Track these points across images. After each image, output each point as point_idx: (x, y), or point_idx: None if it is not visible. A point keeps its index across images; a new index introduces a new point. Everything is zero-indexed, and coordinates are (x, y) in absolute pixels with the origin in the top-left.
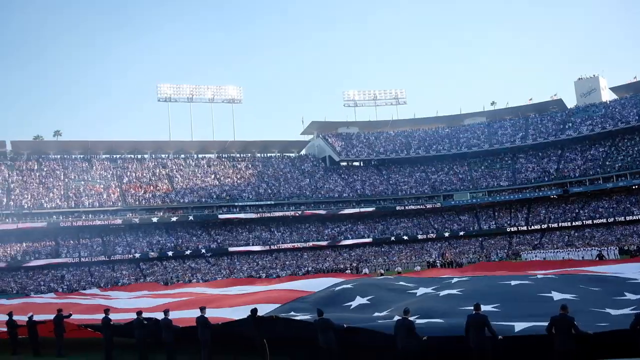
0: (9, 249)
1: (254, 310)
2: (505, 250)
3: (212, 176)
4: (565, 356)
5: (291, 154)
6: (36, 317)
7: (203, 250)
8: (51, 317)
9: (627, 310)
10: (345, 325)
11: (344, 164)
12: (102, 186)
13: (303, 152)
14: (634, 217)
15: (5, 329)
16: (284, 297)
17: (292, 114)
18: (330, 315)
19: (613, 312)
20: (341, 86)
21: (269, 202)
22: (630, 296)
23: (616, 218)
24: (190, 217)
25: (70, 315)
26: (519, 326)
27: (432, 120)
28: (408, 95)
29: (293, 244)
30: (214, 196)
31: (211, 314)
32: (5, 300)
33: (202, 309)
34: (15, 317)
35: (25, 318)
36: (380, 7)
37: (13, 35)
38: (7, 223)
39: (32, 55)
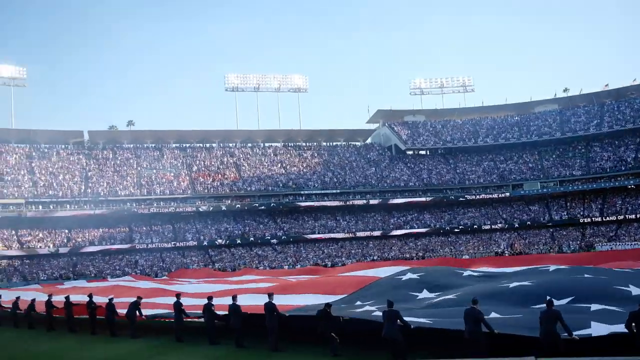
0: (87, 234)
1: (328, 305)
2: (578, 242)
3: (279, 165)
4: None
5: (357, 143)
6: (116, 300)
7: (270, 238)
8: (131, 299)
9: None
10: (412, 326)
11: (410, 152)
12: (172, 174)
13: (369, 140)
14: None
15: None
16: (350, 285)
17: (358, 103)
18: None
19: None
20: (407, 74)
21: (334, 191)
22: None
23: None
24: (257, 205)
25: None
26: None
27: (500, 108)
28: (476, 83)
29: (359, 233)
30: (281, 184)
31: (279, 301)
32: (85, 282)
33: (270, 295)
34: (95, 299)
35: (105, 300)
36: None
37: (88, 29)
38: (85, 210)
39: (107, 48)
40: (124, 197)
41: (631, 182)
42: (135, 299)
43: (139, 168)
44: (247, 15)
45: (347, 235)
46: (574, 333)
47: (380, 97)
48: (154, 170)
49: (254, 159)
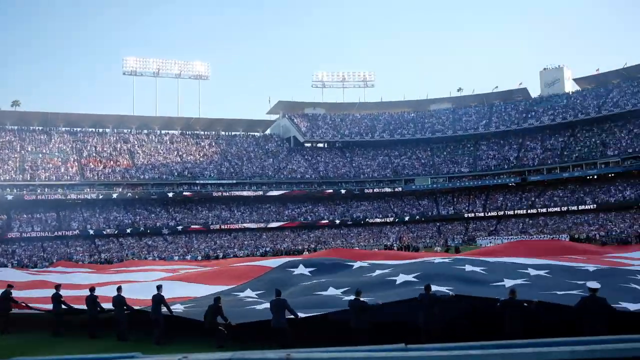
0: None
1: (217, 299)
2: (462, 236)
3: (175, 153)
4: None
5: (256, 133)
6: None
7: (161, 228)
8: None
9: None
10: (301, 316)
11: (309, 145)
12: (60, 159)
13: (268, 131)
14: (586, 207)
15: None
16: (241, 274)
17: (260, 93)
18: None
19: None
20: (310, 67)
21: (230, 181)
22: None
23: (569, 207)
24: (150, 194)
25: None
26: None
27: (398, 104)
28: (376, 79)
29: (251, 224)
30: (176, 173)
31: (168, 292)
32: None
33: (159, 287)
34: None
35: None
36: None
37: None
38: None
39: None
40: (3, 182)
41: (512, 180)
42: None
43: (22, 152)
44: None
45: (240, 226)
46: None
47: (282, 89)
48: (40, 155)
49: (149, 146)
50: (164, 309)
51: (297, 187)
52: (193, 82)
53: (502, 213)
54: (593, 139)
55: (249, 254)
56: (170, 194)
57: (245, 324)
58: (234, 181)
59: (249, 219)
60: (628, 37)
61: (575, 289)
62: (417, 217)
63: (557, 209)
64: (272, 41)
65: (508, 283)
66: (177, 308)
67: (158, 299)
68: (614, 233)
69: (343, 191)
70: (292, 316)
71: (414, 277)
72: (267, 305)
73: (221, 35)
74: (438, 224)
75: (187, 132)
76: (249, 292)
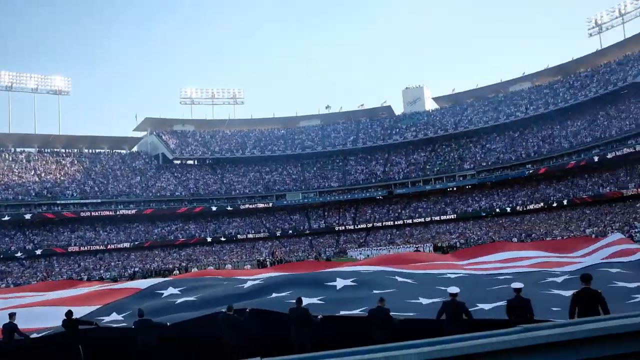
0: None
1: (69, 313)
2: (333, 248)
3: (32, 172)
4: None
5: (122, 151)
6: None
7: (15, 251)
8: None
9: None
10: (168, 324)
11: (178, 162)
12: None
13: (135, 149)
14: (447, 217)
15: None
16: (105, 297)
17: (125, 110)
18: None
19: (425, 301)
20: (178, 83)
21: (95, 201)
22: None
23: (432, 217)
24: (5, 217)
25: None
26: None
27: (268, 121)
28: (246, 96)
29: (120, 244)
30: (33, 193)
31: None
32: None
33: (11, 315)
34: None
35: None
36: (220, 5)
37: None
38: None
39: None
40: None
41: (379, 193)
42: None
43: None
44: (4, 7)
45: (106, 247)
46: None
47: (149, 105)
48: None
49: (2, 165)
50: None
51: (167, 205)
52: (52, 98)
53: (370, 225)
54: (452, 154)
55: (116, 276)
56: (28, 216)
57: (110, 345)
58: (99, 200)
59: (116, 239)
60: (480, 61)
61: (438, 297)
62: (289, 231)
63: (422, 219)
64: (137, 56)
65: (377, 292)
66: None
67: (9, 328)
68: (472, 240)
69: (214, 208)
70: (160, 327)
71: (287, 293)
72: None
73: (83, 49)
74: (310, 237)
75: (46, 150)
76: (114, 316)
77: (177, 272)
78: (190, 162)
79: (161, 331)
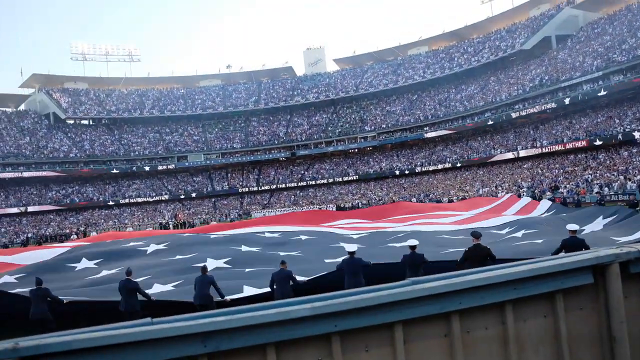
0: None
1: None
2: (237, 210)
3: None
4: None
5: (7, 109)
6: None
7: None
8: None
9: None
10: (65, 301)
11: (71, 122)
12: None
13: (23, 107)
14: (349, 178)
15: None
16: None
17: (9, 64)
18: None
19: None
20: (68, 38)
21: None
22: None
23: (335, 179)
24: None
25: None
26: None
27: (167, 80)
28: (143, 53)
29: (9, 209)
30: None
31: None
32: None
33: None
34: None
35: None
36: None
37: None
38: None
39: None
40: None
41: (282, 154)
42: None
43: None
44: None
45: None
46: (227, 297)
47: (37, 60)
48: None
49: None
50: None
51: (61, 167)
52: None
53: (274, 187)
54: (353, 116)
55: (7, 243)
56: None
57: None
58: None
59: (5, 203)
60: (379, 23)
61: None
62: (192, 194)
63: (325, 181)
64: (21, 6)
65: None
66: None
67: None
68: (373, 201)
69: (113, 170)
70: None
71: (191, 255)
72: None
73: None
74: (214, 199)
75: None
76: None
77: (75, 236)
78: (85, 122)
79: (57, 305)
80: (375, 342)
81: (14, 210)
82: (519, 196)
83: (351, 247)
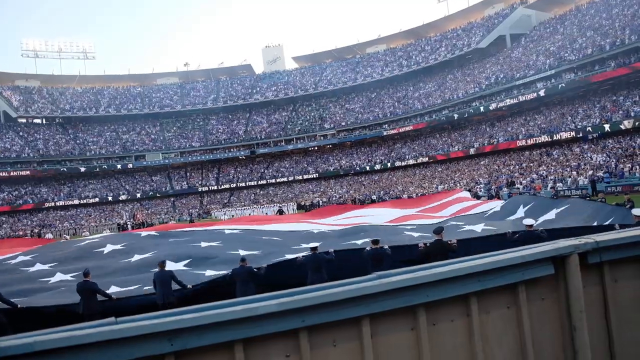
0: None
1: None
2: (197, 210)
3: None
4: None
5: None
6: None
7: None
8: None
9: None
10: (18, 306)
11: (23, 120)
12: None
13: None
14: (310, 176)
15: None
16: None
17: None
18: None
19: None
20: (18, 34)
21: None
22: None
23: (295, 177)
24: None
25: None
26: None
27: (123, 78)
28: (97, 51)
29: None
30: None
31: None
32: None
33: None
34: None
35: None
36: None
37: None
38: None
39: None
40: None
41: (242, 153)
42: None
43: None
44: None
45: None
46: (189, 285)
47: None
48: None
49: None
50: None
51: (13, 168)
52: None
53: (234, 185)
54: (312, 114)
55: None
56: None
57: None
58: None
59: None
60: (337, 21)
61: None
62: (151, 193)
63: (285, 179)
64: None
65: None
66: None
67: None
68: (334, 199)
69: (67, 170)
70: (8, 307)
71: (151, 254)
72: None
73: None
74: (173, 199)
75: None
76: None
77: (30, 237)
78: (38, 120)
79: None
80: (342, 336)
81: None
82: (476, 193)
83: (313, 244)
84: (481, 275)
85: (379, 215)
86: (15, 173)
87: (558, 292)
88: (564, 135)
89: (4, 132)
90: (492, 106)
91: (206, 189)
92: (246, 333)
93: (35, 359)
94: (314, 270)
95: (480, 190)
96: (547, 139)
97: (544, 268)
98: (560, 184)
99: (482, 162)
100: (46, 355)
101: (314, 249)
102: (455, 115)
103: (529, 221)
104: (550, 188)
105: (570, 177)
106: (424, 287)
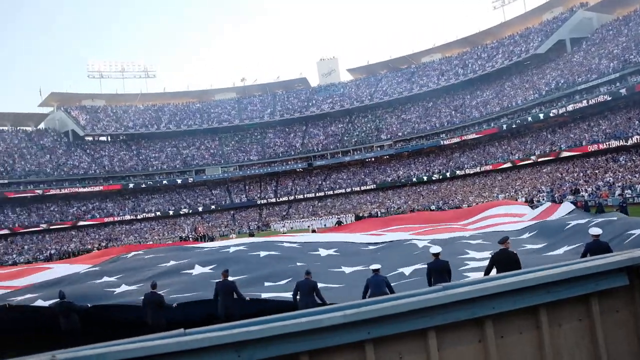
0: None
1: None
2: (257, 222)
3: None
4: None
5: (27, 128)
6: None
7: None
8: None
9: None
10: (89, 305)
11: (90, 138)
12: None
13: (42, 126)
14: (367, 187)
15: None
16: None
17: (28, 84)
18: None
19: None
20: (85, 56)
21: (2, 181)
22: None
23: (353, 188)
24: None
25: None
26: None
27: (183, 95)
28: (158, 69)
29: (33, 227)
30: None
31: None
32: None
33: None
34: None
35: None
36: None
37: None
38: None
39: None
40: None
41: (299, 165)
42: None
43: None
44: None
45: (17, 230)
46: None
47: (54, 79)
48: None
49: None
50: None
51: (81, 184)
52: None
53: (292, 197)
54: (369, 125)
55: (30, 260)
56: None
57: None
58: (6, 181)
59: (28, 221)
60: (392, 32)
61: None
62: (211, 206)
63: (342, 190)
64: (38, 26)
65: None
66: None
67: None
68: (392, 209)
69: (132, 185)
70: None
71: (210, 268)
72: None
73: None
74: (232, 212)
75: None
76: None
77: (97, 251)
78: (103, 138)
79: (83, 314)
80: (408, 349)
81: (36, 228)
82: (538, 201)
83: (375, 266)
84: (551, 286)
85: (443, 224)
86: (83, 189)
87: (634, 304)
88: (632, 140)
89: (73, 150)
90: (553, 112)
91: (265, 201)
92: (311, 345)
93: None
94: (375, 292)
95: (543, 199)
96: (613, 145)
97: (618, 279)
98: (629, 191)
99: (544, 170)
100: None
101: (376, 270)
102: (515, 123)
103: (595, 230)
104: (619, 195)
105: (639, 184)
106: (491, 298)
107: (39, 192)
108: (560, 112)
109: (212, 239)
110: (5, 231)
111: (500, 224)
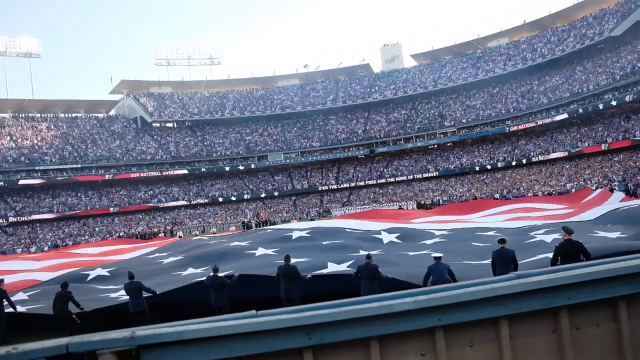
0: None
1: (65, 285)
2: (317, 209)
3: (8, 138)
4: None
5: (99, 115)
6: None
7: None
8: None
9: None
10: (157, 292)
11: (157, 125)
12: None
13: (112, 112)
14: (429, 175)
15: None
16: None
17: (100, 72)
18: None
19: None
20: (153, 44)
21: (75, 166)
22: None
23: (415, 175)
24: None
25: None
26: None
27: (246, 82)
28: (222, 56)
29: (103, 209)
30: (11, 160)
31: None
32: None
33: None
34: None
35: None
36: None
37: None
38: None
39: None
40: None
41: (361, 152)
42: None
43: None
44: None
45: (89, 212)
46: (313, 273)
47: (124, 66)
48: None
49: None
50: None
51: (148, 169)
52: (22, 60)
53: (353, 184)
54: (432, 111)
55: (101, 239)
56: (5, 183)
57: (101, 310)
58: (79, 165)
59: (99, 204)
60: (457, 16)
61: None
62: (273, 192)
63: (404, 177)
64: (109, 15)
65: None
66: (21, 297)
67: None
68: (454, 197)
69: (196, 170)
70: (150, 294)
71: (273, 251)
72: (122, 291)
73: (50, 9)
74: (294, 198)
75: (21, 115)
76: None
77: (163, 234)
78: (169, 124)
79: (149, 298)
80: (480, 337)
81: (106, 210)
82: (611, 190)
83: (437, 254)
84: (631, 278)
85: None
86: (150, 174)
87: None
88: None
89: (141, 136)
90: (628, 98)
91: (326, 188)
92: (382, 330)
93: (184, 347)
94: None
95: (615, 188)
96: None
97: None
98: None
99: (615, 158)
100: (194, 343)
101: (437, 258)
102: (586, 109)
103: None
104: None
105: None
106: (566, 288)
107: (109, 176)
108: (636, 97)
109: (274, 224)
110: (84, 212)
111: (575, 214)
